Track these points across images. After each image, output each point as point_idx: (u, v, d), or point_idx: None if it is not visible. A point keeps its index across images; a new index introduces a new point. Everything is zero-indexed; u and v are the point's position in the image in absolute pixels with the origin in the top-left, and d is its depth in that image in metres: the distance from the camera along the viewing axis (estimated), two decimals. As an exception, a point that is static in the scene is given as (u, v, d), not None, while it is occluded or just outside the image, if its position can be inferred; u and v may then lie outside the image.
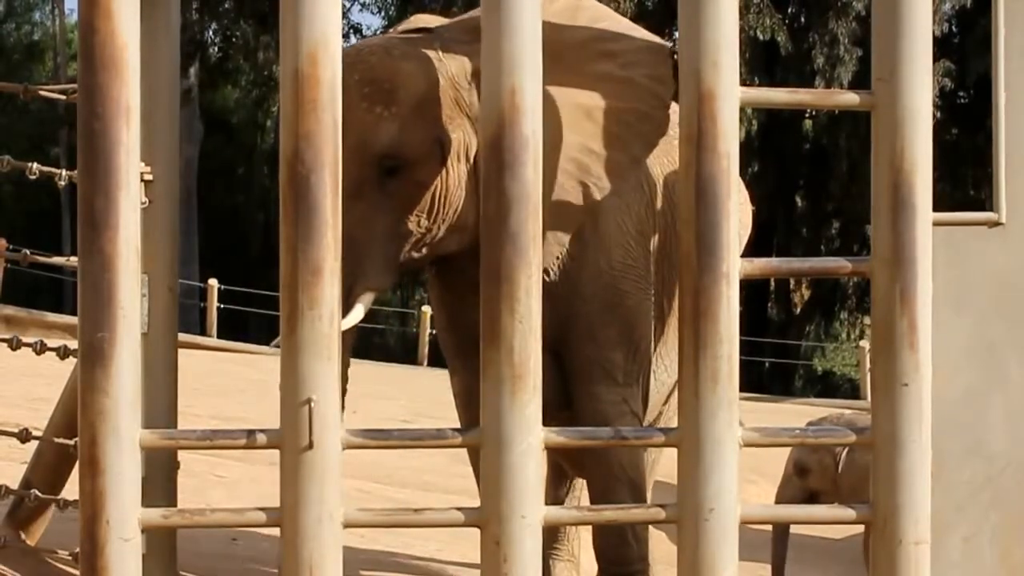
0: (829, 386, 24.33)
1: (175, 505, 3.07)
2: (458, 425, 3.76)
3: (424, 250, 3.58)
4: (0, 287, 15.93)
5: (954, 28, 20.47)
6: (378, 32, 22.12)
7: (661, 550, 4.47)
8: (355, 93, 3.39)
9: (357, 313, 3.40)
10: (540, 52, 2.89)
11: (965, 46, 19.32)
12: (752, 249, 4.22)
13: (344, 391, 3.45)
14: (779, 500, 5.46)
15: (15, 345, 3.53)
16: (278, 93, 2.90)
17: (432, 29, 3.68)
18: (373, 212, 3.44)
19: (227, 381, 9.98)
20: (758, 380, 19.45)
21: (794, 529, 5.84)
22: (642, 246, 3.86)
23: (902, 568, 2.92)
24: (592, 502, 3.97)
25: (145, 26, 2.89)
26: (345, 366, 3.48)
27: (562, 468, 4.54)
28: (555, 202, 3.51)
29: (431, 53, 3.54)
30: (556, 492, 4.58)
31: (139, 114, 2.84)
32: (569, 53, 3.56)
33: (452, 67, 3.54)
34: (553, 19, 3.43)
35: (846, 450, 5.26)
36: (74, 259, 2.86)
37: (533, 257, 2.88)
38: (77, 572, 3.09)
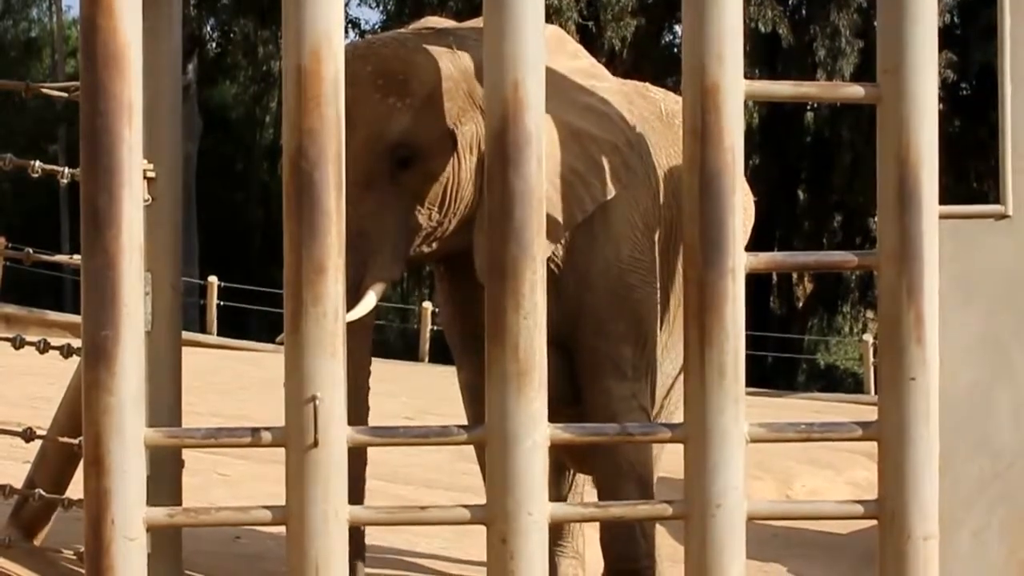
0: (832, 380, 24.32)
1: (180, 504, 3.06)
2: (461, 421, 3.75)
3: (435, 244, 3.58)
4: (0, 285, 15.92)
5: (956, 19, 20.44)
6: (376, 27, 22.09)
7: (666, 545, 4.46)
8: (368, 84, 3.40)
9: (367, 304, 3.40)
10: (543, 48, 2.88)
11: (967, 37, 19.33)
12: (754, 243, 4.21)
13: (367, 391, 3.47)
14: None
15: (18, 344, 3.52)
16: (277, 89, 2.89)
17: (444, 28, 3.70)
18: (384, 204, 3.44)
19: (228, 379, 9.96)
20: (761, 375, 19.44)
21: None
22: (648, 239, 3.88)
23: (910, 563, 2.91)
24: (600, 499, 3.96)
25: (147, 23, 2.87)
26: (367, 366, 3.50)
27: (562, 464, 4.53)
28: None
29: (444, 46, 3.54)
30: (558, 489, 4.57)
31: (142, 111, 2.83)
32: (560, 79, 3.63)
33: (465, 60, 3.55)
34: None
35: None
36: (77, 257, 2.84)
37: (537, 252, 2.86)
38: (82, 571, 3.08)
